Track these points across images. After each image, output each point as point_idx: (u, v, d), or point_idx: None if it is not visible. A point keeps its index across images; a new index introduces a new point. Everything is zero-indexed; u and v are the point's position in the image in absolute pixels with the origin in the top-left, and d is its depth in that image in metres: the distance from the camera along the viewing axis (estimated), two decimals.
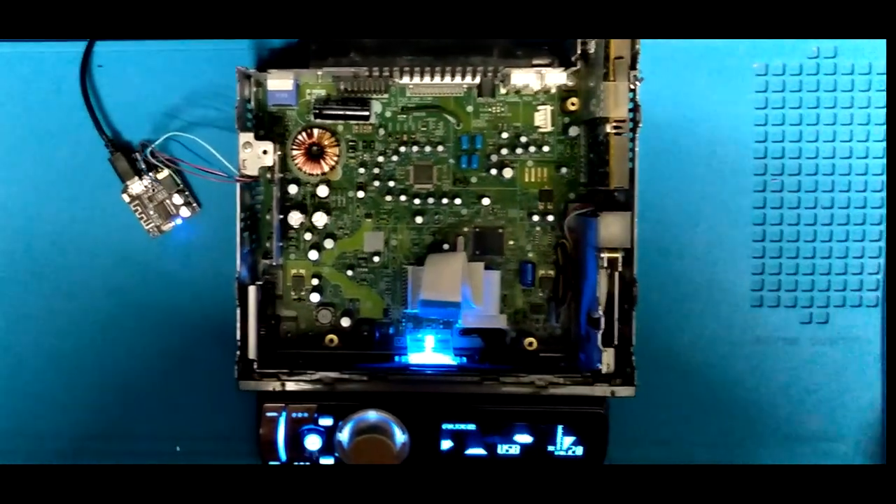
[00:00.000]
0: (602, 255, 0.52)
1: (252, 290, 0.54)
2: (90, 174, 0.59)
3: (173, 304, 0.59)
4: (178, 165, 0.57)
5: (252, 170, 0.53)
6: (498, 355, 0.58)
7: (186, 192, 0.59)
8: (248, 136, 0.53)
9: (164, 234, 0.59)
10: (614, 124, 0.51)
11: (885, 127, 0.58)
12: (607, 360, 0.52)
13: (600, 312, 0.52)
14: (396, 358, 0.58)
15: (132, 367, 0.59)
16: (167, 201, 0.59)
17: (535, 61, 0.53)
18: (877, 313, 0.59)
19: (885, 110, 0.58)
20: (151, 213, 0.59)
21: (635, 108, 0.51)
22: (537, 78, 0.54)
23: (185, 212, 0.59)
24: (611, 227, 0.52)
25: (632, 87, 0.51)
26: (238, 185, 0.53)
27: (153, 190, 0.58)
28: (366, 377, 0.53)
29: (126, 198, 0.59)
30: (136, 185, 0.58)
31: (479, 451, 0.55)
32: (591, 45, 0.54)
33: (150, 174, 0.58)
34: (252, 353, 0.53)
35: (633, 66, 0.51)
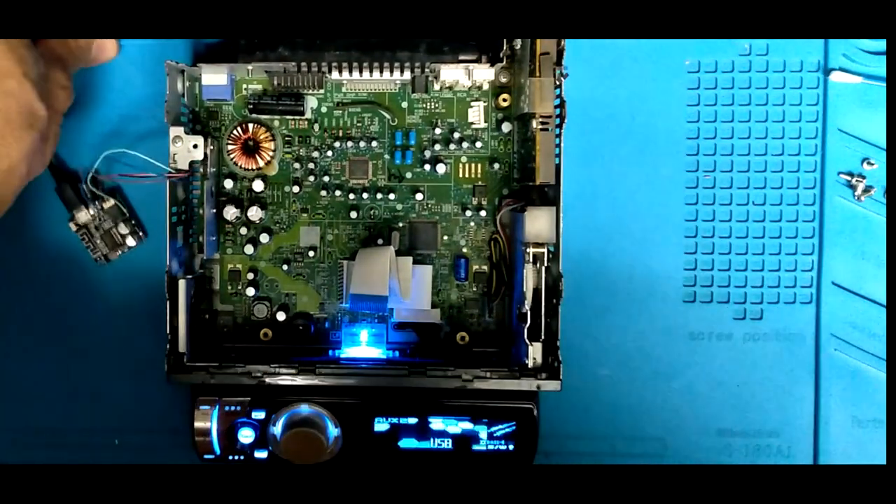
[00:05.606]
0: (528, 249, 0.52)
1: (182, 283, 0.54)
2: (38, 204, 0.59)
3: (113, 297, 0.59)
4: (115, 184, 0.58)
5: (182, 164, 0.54)
6: (432, 350, 0.59)
7: (133, 222, 0.59)
8: (178, 131, 0.53)
9: (111, 262, 0.59)
10: (540, 119, 0.52)
11: (819, 124, 0.58)
12: (534, 354, 0.53)
13: (527, 307, 0.53)
14: (330, 352, 0.59)
15: (72, 361, 0.60)
16: (114, 230, 0.59)
17: (462, 57, 0.54)
18: (811, 310, 0.59)
19: (817, 107, 0.58)
20: (98, 242, 0.59)
21: (561, 104, 0.51)
22: (466, 74, 0.54)
23: (130, 241, 0.59)
24: (536, 222, 0.52)
25: (557, 82, 0.52)
26: (168, 179, 0.54)
27: (100, 219, 0.58)
28: (294, 370, 0.54)
29: (73, 227, 0.58)
30: (83, 215, 0.58)
31: (411, 444, 0.56)
32: (518, 42, 0.54)
33: (96, 203, 0.58)
34: (182, 346, 0.54)
35: (558, 62, 0.52)
